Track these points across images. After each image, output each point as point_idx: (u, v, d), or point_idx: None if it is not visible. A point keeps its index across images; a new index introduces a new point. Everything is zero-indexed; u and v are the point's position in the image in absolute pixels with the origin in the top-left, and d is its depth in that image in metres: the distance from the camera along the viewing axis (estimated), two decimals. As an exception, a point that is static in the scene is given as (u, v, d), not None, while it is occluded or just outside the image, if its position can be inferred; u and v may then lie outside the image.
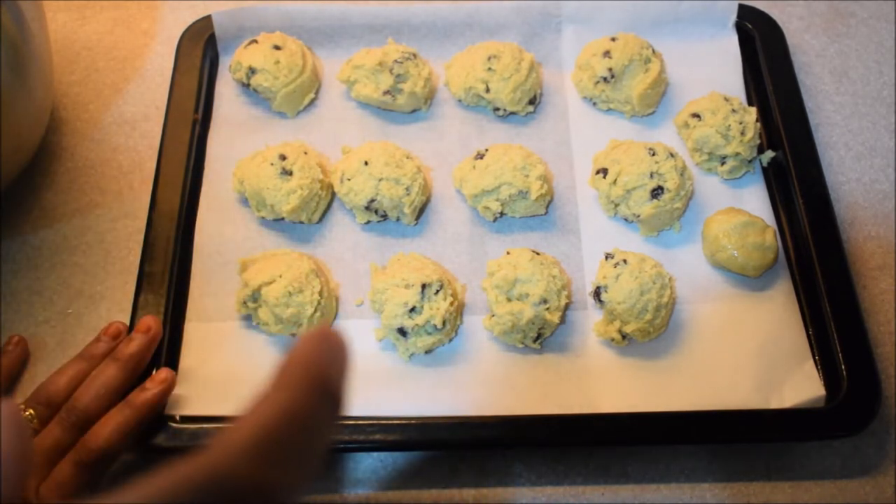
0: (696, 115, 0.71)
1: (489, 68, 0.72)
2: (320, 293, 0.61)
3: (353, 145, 0.71)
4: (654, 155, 0.67)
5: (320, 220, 0.69)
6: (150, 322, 0.60)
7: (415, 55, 0.73)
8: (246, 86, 0.73)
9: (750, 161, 0.70)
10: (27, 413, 0.55)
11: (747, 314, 0.64)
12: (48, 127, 0.73)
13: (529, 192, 0.66)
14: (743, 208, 0.67)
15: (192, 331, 0.63)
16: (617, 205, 0.68)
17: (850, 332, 0.61)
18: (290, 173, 0.66)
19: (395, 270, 0.63)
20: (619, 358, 0.62)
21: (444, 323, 0.60)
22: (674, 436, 0.58)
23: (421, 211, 0.69)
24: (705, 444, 0.59)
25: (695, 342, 0.63)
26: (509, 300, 0.62)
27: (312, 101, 0.75)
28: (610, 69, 0.72)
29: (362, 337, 0.63)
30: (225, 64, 0.76)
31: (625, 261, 0.62)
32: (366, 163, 0.66)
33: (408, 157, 0.68)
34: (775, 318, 0.64)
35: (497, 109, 0.74)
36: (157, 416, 0.57)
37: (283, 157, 0.66)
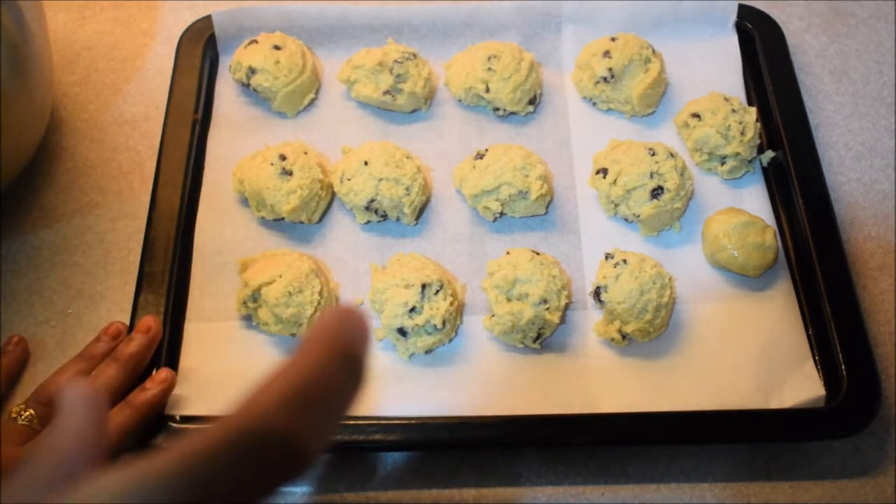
0: (696, 115, 0.71)
1: (489, 68, 0.72)
2: (320, 293, 0.61)
3: (353, 145, 0.71)
4: (654, 155, 0.67)
5: (320, 220, 0.69)
6: (150, 322, 0.60)
7: (415, 55, 0.73)
8: (246, 86, 0.73)
9: (750, 161, 0.70)
10: (27, 413, 0.55)
11: (747, 314, 0.64)
12: (48, 127, 0.73)
13: (529, 192, 0.66)
14: (743, 208, 0.67)
15: (192, 331, 0.63)
16: (617, 205, 0.68)
17: (850, 332, 0.61)
18: (290, 173, 0.66)
19: (395, 270, 0.63)
20: (619, 358, 0.62)
21: (444, 323, 0.60)
22: (674, 436, 0.58)
23: (421, 211, 0.69)
24: (705, 444, 0.59)
25: (695, 342, 0.63)
26: (509, 300, 0.62)
27: (312, 101, 0.75)
28: (610, 69, 0.72)
29: (362, 337, 0.63)
30: (225, 64, 0.76)
31: (625, 261, 0.62)
32: (366, 163, 0.66)
33: (408, 157, 0.68)
34: (775, 318, 0.64)
35: (497, 109, 0.74)
36: (157, 416, 0.57)
37: (283, 157, 0.66)
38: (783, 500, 0.59)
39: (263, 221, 0.68)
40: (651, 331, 0.62)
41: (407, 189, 0.66)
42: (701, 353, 0.62)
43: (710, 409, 0.58)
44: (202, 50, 0.75)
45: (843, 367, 0.59)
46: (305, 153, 0.68)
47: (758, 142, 0.70)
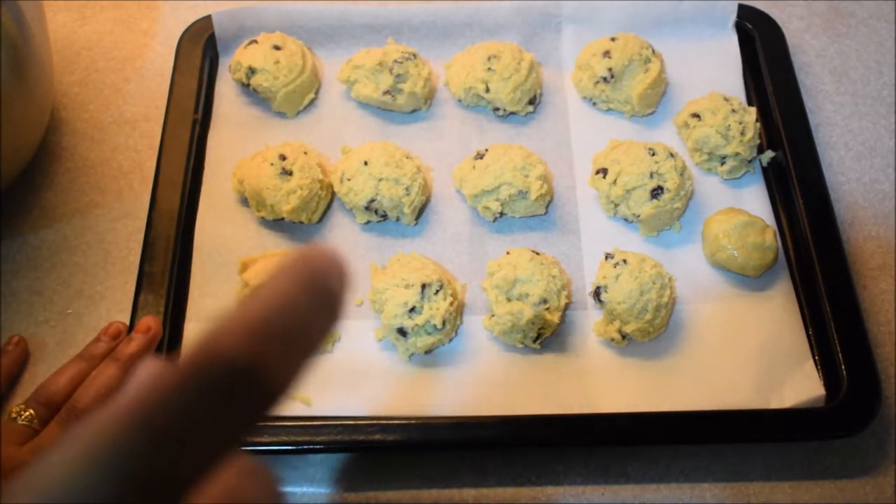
0: (696, 115, 0.71)
1: (489, 68, 0.72)
2: (320, 293, 0.61)
3: (353, 145, 0.71)
4: (654, 155, 0.67)
5: (320, 220, 0.69)
6: (150, 322, 0.60)
7: (415, 55, 0.73)
8: (246, 86, 0.73)
9: (750, 161, 0.70)
10: (27, 413, 0.55)
11: (747, 314, 0.64)
12: (48, 127, 0.73)
13: (529, 192, 0.66)
14: (743, 208, 0.67)
15: (192, 331, 0.63)
16: (617, 205, 0.68)
17: (850, 332, 0.61)
18: (290, 173, 0.66)
19: (395, 270, 0.63)
20: (619, 358, 0.62)
21: (443, 323, 0.60)
22: (674, 436, 0.58)
23: (421, 211, 0.69)
24: (705, 444, 0.59)
25: (695, 342, 0.63)
26: (509, 300, 0.62)
27: (312, 101, 0.75)
28: (610, 69, 0.72)
29: (362, 337, 0.63)
30: (225, 64, 0.76)
31: (625, 261, 0.62)
32: (366, 163, 0.66)
33: (408, 157, 0.68)
34: (775, 318, 0.64)
35: (497, 109, 0.74)
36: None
37: (283, 157, 0.66)
38: (783, 500, 0.59)
39: (263, 221, 0.68)
40: (651, 331, 0.62)
41: (407, 189, 0.66)
42: (701, 353, 0.62)
43: (710, 409, 0.58)
44: (202, 50, 0.75)
45: (843, 367, 0.59)
46: (305, 153, 0.68)
47: (758, 142, 0.70)
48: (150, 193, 0.67)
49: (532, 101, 0.74)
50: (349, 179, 0.66)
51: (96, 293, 0.67)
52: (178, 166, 0.69)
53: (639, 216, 0.66)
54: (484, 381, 0.61)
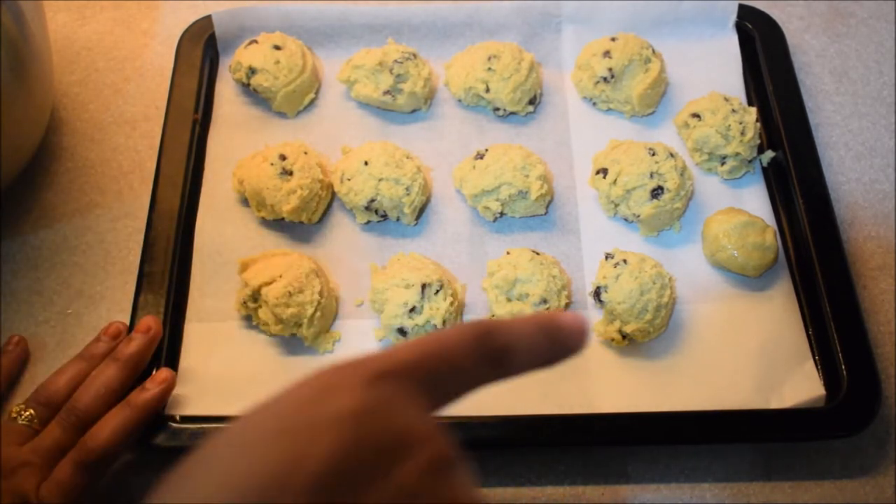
0: (696, 115, 0.71)
1: (489, 68, 0.72)
2: (320, 293, 0.61)
3: (353, 145, 0.71)
4: (654, 155, 0.67)
5: (320, 220, 0.69)
6: (150, 322, 0.60)
7: (415, 55, 0.73)
8: (246, 86, 0.73)
9: (750, 161, 0.70)
10: (27, 413, 0.55)
11: (747, 314, 0.64)
12: (48, 127, 0.73)
13: (529, 192, 0.66)
14: (743, 208, 0.67)
15: (192, 331, 0.63)
16: (617, 205, 0.68)
17: (850, 332, 0.61)
18: (290, 173, 0.66)
19: (395, 270, 0.63)
20: (619, 358, 0.62)
21: (444, 323, 0.60)
22: (674, 436, 0.58)
23: (421, 211, 0.69)
24: (705, 444, 0.59)
25: (695, 342, 0.63)
26: (509, 300, 0.62)
27: (312, 101, 0.75)
28: (610, 69, 0.72)
29: (362, 337, 0.63)
30: (225, 64, 0.76)
31: (625, 261, 0.62)
32: (366, 163, 0.66)
33: (408, 157, 0.68)
34: (775, 318, 0.64)
35: (497, 109, 0.74)
36: (157, 416, 0.57)
37: (283, 157, 0.66)
38: (783, 500, 0.59)
39: (263, 221, 0.68)
40: (651, 331, 0.62)
41: (407, 189, 0.66)
42: (701, 353, 0.62)
43: (710, 409, 0.58)
44: (202, 50, 0.75)
45: (843, 367, 0.59)
46: (305, 153, 0.68)
47: (758, 142, 0.70)
48: (150, 193, 0.67)
49: (532, 101, 0.74)
50: (349, 179, 0.66)
51: (96, 293, 0.67)
52: (178, 166, 0.69)
53: (639, 216, 0.66)
54: (484, 381, 0.61)
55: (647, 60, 0.73)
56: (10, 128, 0.61)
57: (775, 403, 0.59)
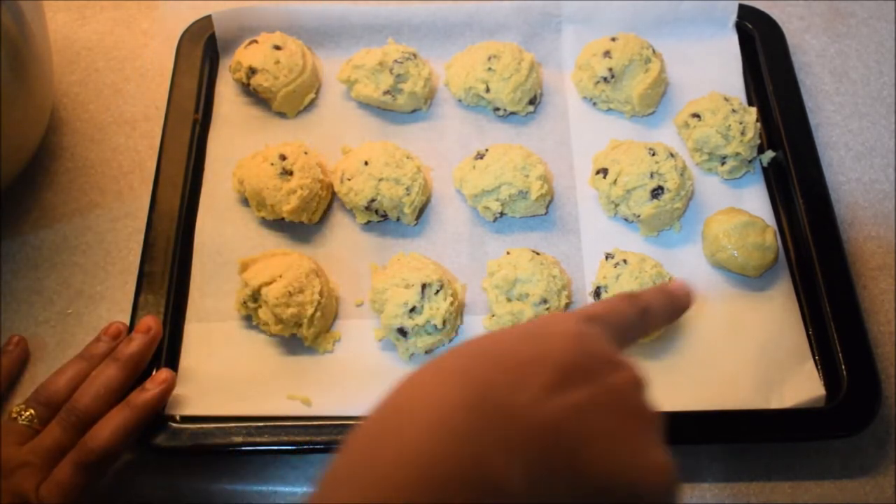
0: (696, 115, 0.71)
1: (489, 68, 0.72)
2: (320, 293, 0.61)
3: (353, 145, 0.71)
4: (654, 155, 0.67)
5: (320, 220, 0.69)
6: (150, 322, 0.60)
7: (415, 55, 0.73)
8: (246, 86, 0.73)
9: (750, 161, 0.70)
10: (27, 413, 0.55)
11: (747, 314, 0.64)
12: (48, 127, 0.73)
13: (529, 192, 0.66)
14: (743, 208, 0.67)
15: (192, 331, 0.63)
16: (617, 205, 0.68)
17: (850, 332, 0.61)
18: (290, 173, 0.66)
19: (395, 270, 0.63)
20: (619, 358, 0.62)
21: (444, 323, 0.60)
22: (674, 436, 0.58)
23: (421, 211, 0.69)
24: (705, 444, 0.59)
25: (695, 342, 0.63)
26: (509, 300, 0.62)
27: (312, 101, 0.75)
28: (610, 69, 0.72)
29: (362, 337, 0.63)
30: (225, 64, 0.76)
31: (625, 261, 0.62)
32: (366, 163, 0.66)
33: (408, 157, 0.68)
34: (775, 318, 0.64)
35: (497, 109, 0.74)
36: (157, 416, 0.57)
37: (283, 157, 0.66)
38: (783, 500, 0.59)
39: (263, 221, 0.68)
40: (651, 331, 0.62)
41: (407, 189, 0.66)
42: (701, 353, 0.62)
43: (710, 409, 0.58)
44: (202, 50, 0.75)
45: (843, 367, 0.59)
46: (305, 153, 0.68)
47: (758, 142, 0.70)
48: (150, 193, 0.67)
49: (532, 101, 0.74)
50: (349, 179, 0.66)
51: (96, 293, 0.67)
52: (178, 166, 0.69)
53: (639, 216, 0.66)
54: (484, 381, 0.61)
55: (648, 60, 0.73)
56: (10, 128, 0.61)
57: (775, 403, 0.59)
